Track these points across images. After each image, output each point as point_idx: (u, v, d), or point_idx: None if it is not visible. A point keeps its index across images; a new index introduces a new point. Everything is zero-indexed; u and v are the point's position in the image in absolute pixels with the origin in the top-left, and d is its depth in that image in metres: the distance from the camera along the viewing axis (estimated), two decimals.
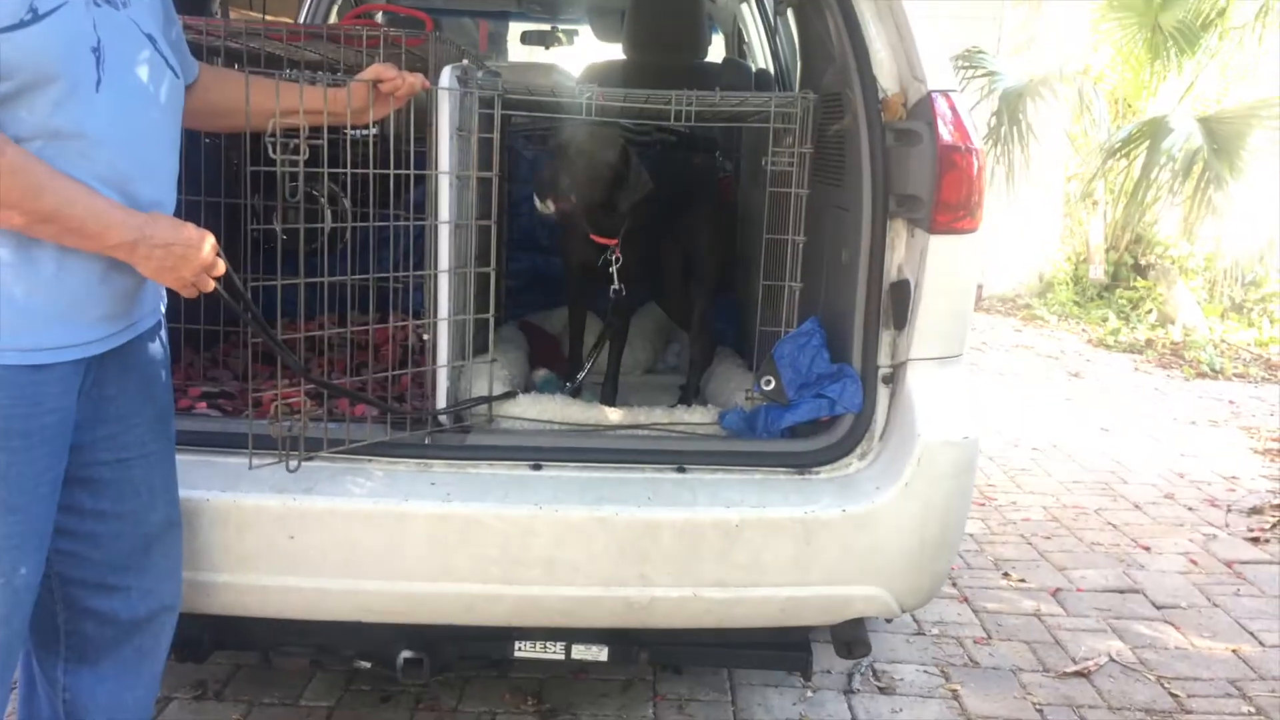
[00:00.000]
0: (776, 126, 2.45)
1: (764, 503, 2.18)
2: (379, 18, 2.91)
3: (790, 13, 3.43)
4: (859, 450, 2.33)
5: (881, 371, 2.36)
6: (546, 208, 2.60)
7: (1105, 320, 9.21)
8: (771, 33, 4.46)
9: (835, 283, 2.49)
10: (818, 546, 2.17)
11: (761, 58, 4.63)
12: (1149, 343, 8.53)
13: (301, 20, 4.60)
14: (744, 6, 4.87)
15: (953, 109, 2.28)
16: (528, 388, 2.88)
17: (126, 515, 1.83)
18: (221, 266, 1.72)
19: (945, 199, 2.25)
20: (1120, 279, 10.10)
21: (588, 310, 3.08)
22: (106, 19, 1.63)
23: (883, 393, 2.35)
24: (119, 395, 1.78)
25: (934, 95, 2.27)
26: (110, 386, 1.76)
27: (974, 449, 2.27)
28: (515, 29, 6.81)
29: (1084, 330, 9.13)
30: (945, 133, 2.25)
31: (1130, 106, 9.94)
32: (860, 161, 2.36)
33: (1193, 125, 8.38)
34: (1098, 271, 10.12)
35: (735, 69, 4.15)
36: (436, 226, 2.25)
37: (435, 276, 2.27)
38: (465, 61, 2.37)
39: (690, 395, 2.97)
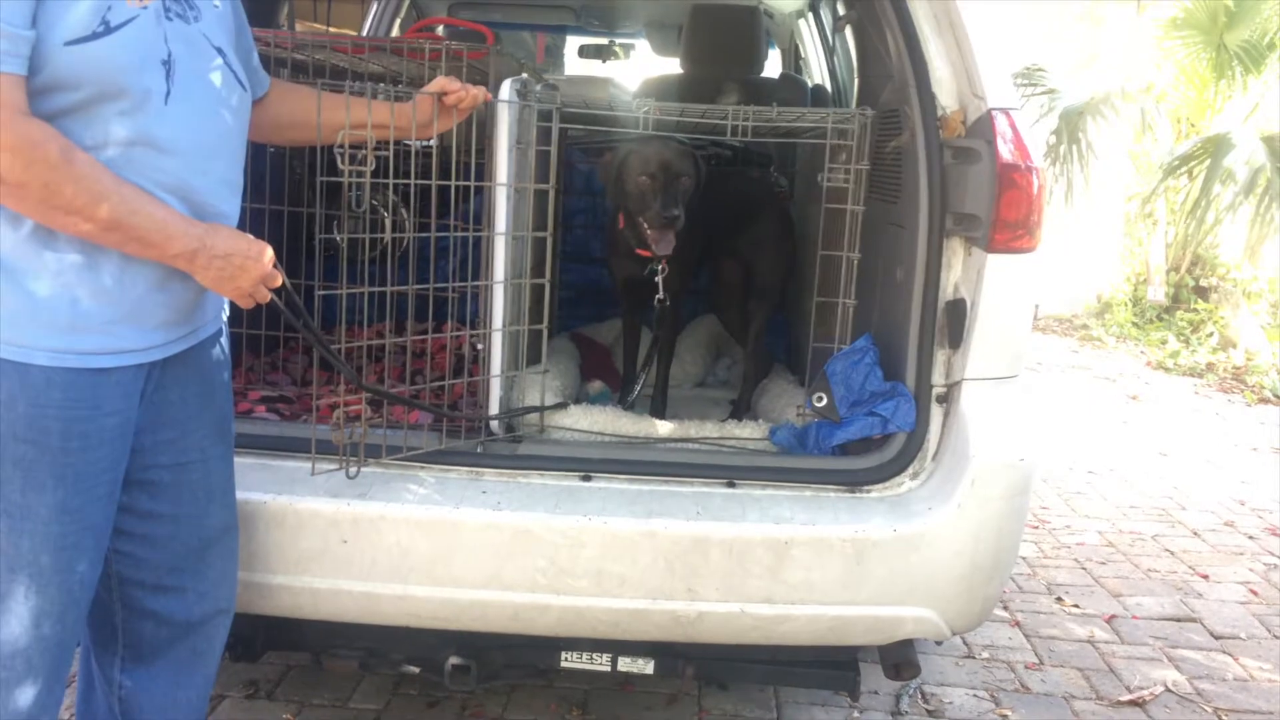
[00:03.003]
0: (833, 143, 2.44)
1: (814, 520, 2.17)
2: (440, 30, 2.94)
3: (849, 29, 3.43)
4: (911, 469, 2.31)
5: (935, 390, 2.33)
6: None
7: (1165, 343, 9.02)
8: (829, 49, 4.46)
9: (889, 300, 2.48)
10: (868, 566, 2.15)
11: (818, 74, 4.62)
12: (1209, 367, 8.34)
13: (365, 33, 4.69)
14: (801, 23, 4.87)
15: (1013, 127, 2.26)
16: (580, 399, 2.90)
17: (184, 518, 1.87)
18: (279, 278, 1.75)
19: (1004, 218, 2.23)
20: (1180, 300, 9.89)
21: (640, 324, 3.09)
22: (178, 32, 1.68)
23: (936, 412, 2.33)
24: (180, 400, 1.82)
25: (994, 113, 2.25)
26: (172, 391, 1.80)
27: (1029, 471, 2.24)
28: (573, 42, 6.87)
29: (1143, 353, 8.96)
30: (1005, 151, 2.23)
31: (1194, 126, 9.76)
32: (917, 178, 2.35)
33: (1256, 143, 8.21)
34: (1158, 293, 9.92)
35: (792, 84, 4.14)
36: (493, 238, 2.28)
37: (490, 287, 2.29)
38: (524, 75, 2.40)
39: (741, 410, 2.97)
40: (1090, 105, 8.57)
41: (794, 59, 5.16)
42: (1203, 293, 9.91)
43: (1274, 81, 9.55)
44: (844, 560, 2.14)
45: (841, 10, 4.47)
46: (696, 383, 3.41)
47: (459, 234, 2.27)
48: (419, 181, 2.15)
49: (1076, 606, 3.69)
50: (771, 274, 3.06)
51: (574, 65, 7.40)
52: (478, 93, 2.12)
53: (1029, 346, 2.39)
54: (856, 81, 3.36)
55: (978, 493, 2.19)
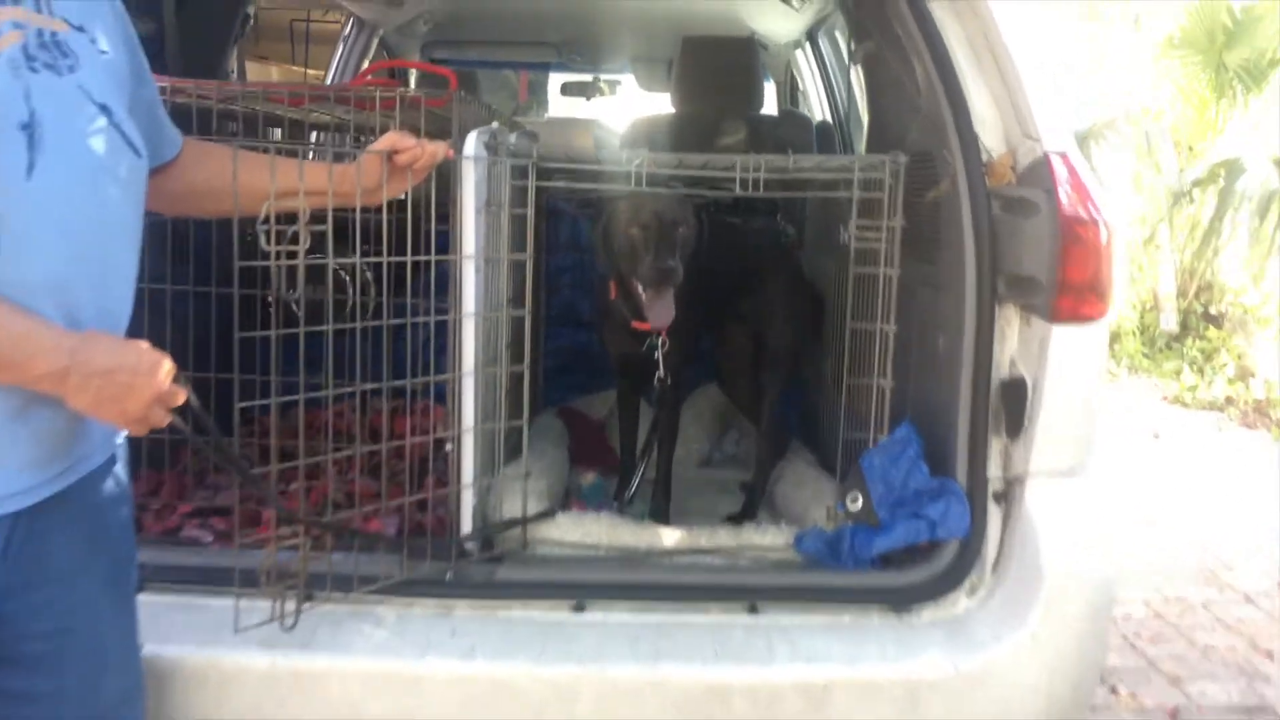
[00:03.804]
0: (861, 195, 2.07)
1: (857, 656, 1.78)
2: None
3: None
4: (968, 584, 1.93)
5: (992, 487, 1.96)
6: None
7: (1179, 373, 8.66)
8: (830, 82, 4.12)
9: (930, 377, 2.11)
10: (924, 712, 1.76)
11: (819, 109, 4.29)
12: (1229, 400, 7.98)
13: (330, 75, 4.34)
14: (798, 53, 4.54)
15: (1073, 172, 1.91)
16: (569, 493, 2.51)
17: (70, 694, 1.47)
18: (181, 396, 1.37)
19: (1069, 280, 1.87)
20: (1190, 328, 9.56)
21: (638, 405, 2.70)
22: (46, 87, 1.31)
23: (994, 513, 1.96)
24: (61, 549, 1.43)
25: (1051, 157, 1.90)
26: (50, 540, 1.41)
27: (1113, 589, 1.86)
28: (557, 79, 6.55)
29: (1156, 385, 8.60)
30: (1068, 201, 1.87)
31: (1191, 149, 9.48)
32: (961, 235, 1.99)
33: (1269, 166, 7.94)
34: (1169, 321, 9.57)
35: (795, 122, 3.80)
36: (459, 320, 1.90)
37: (458, 379, 1.92)
38: (495, 125, 2.04)
39: (757, 500, 2.58)
40: (1094, 131, 8.29)
41: (790, 93, 4.83)
42: (1214, 319, 9.58)
43: (1275, 100, 9.31)
44: (895, 707, 1.76)
45: (842, 38, 4.18)
46: (702, 461, 3.02)
47: (421, 319, 1.89)
48: (368, 259, 1.77)
49: (1134, 697, 3.29)
50: (784, 341, 2.68)
51: (557, 103, 7.09)
52: (436, 149, 1.75)
53: (1101, 429, 2.02)
54: (866, 118, 3.00)
55: (1054, 616, 1.81)
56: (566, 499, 2.52)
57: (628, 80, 5.67)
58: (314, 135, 2.28)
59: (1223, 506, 5.40)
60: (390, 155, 1.71)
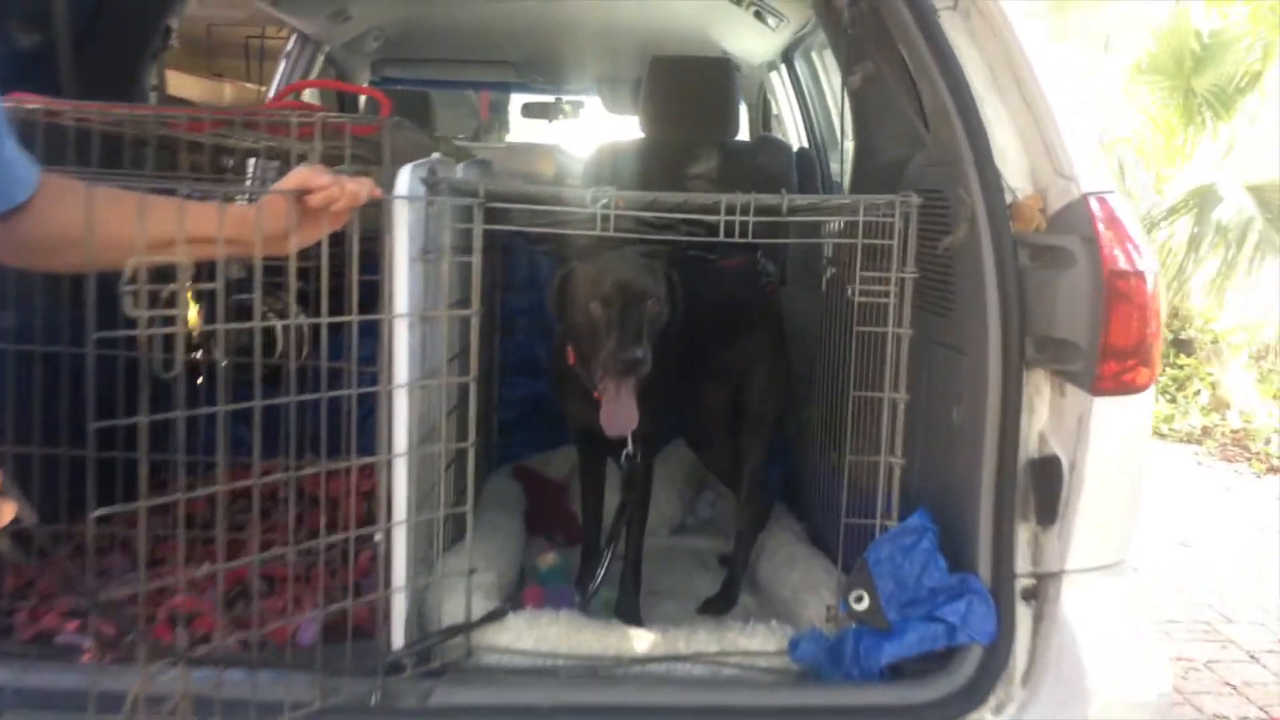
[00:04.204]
0: (866, 242, 1.77)
1: None
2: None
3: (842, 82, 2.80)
4: (993, 700, 1.64)
5: (1021, 584, 1.67)
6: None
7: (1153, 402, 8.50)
8: (807, 107, 3.85)
9: (942, 451, 1.82)
10: None
11: (794, 135, 4.01)
12: (1206, 431, 7.81)
13: (273, 90, 3.99)
14: (773, 76, 4.26)
15: (1114, 217, 1.63)
16: (525, 575, 2.20)
17: None
18: (9, 512, 1.04)
19: (1114, 343, 1.59)
20: (1161, 355, 9.41)
21: (602, 479, 2.32)
22: None
23: (1023, 615, 1.67)
24: None
25: (1090, 199, 1.62)
26: None
27: (1170, 710, 1.58)
28: (518, 99, 6.25)
29: None
30: (1111, 251, 1.59)
31: (1160, 176, 9.37)
32: (982, 288, 1.70)
33: (1244, 195, 7.83)
34: None
35: (773, 149, 3.51)
36: (391, 393, 1.58)
37: (390, 463, 1.59)
38: (436, 156, 1.72)
39: (738, 578, 2.25)
40: None
41: (763, 118, 4.56)
42: (1183, 346, 9.44)
43: (1245, 127, 9.24)
44: None
45: (821, 61, 3.92)
46: (674, 528, 2.69)
47: (337, 393, 1.56)
48: (262, 323, 1.45)
49: None
50: (766, 399, 2.35)
51: (520, 125, 6.80)
52: (357, 188, 1.44)
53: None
54: (854, 147, 2.71)
55: None
56: (522, 580, 2.20)
57: (593, 102, 5.40)
58: (228, 168, 1.95)
59: (1212, 548, 5.17)
60: (301, 195, 1.40)
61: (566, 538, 2.54)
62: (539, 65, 4.70)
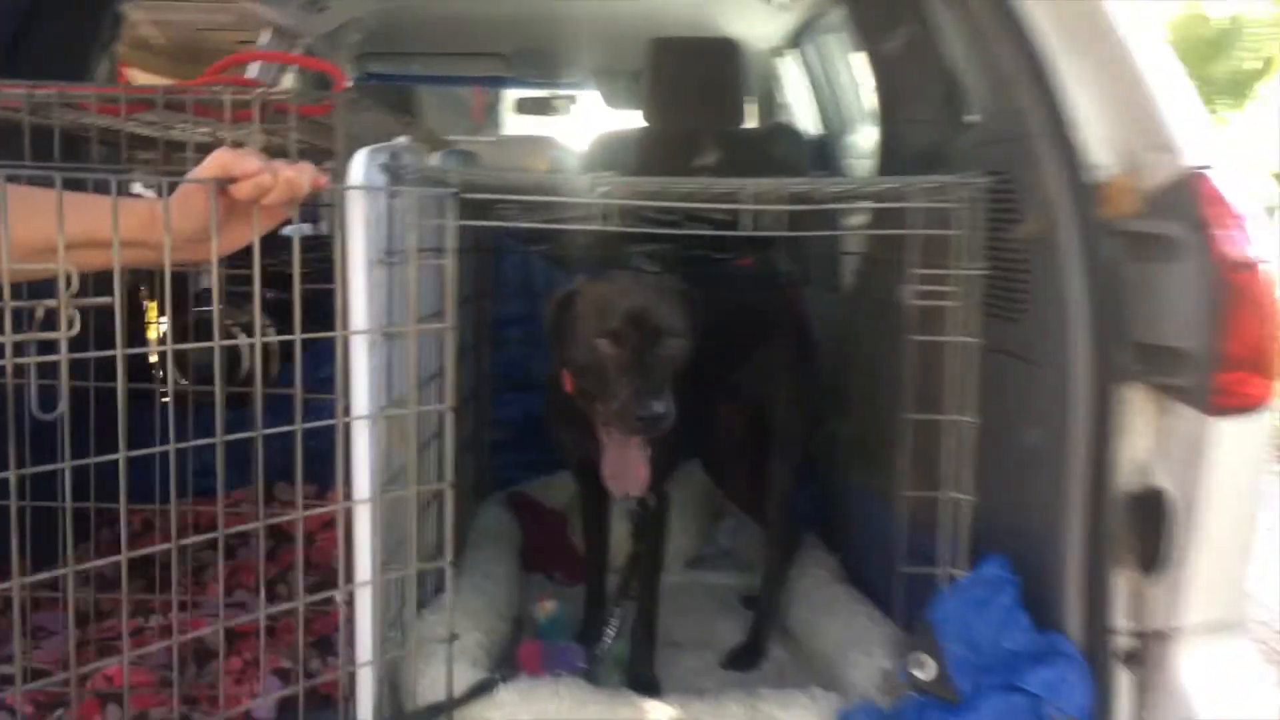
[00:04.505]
0: (926, 232, 1.47)
1: None
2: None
3: (866, 60, 2.51)
4: None
5: (1119, 644, 1.38)
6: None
7: None
8: (821, 92, 3.56)
9: (1014, 484, 1.52)
10: None
11: (806, 123, 3.72)
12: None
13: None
14: (781, 61, 3.97)
15: (1227, 197, 1.34)
16: (521, 627, 1.90)
17: None
18: None
19: (1233, 352, 1.29)
20: None
21: (606, 521, 2.00)
22: None
23: (1124, 683, 1.38)
24: None
25: (1199, 176, 1.33)
26: None
27: None
28: (513, 94, 5.97)
29: None
30: (1227, 239, 1.30)
31: None
32: (1061, 287, 1.42)
33: (1269, 182, 7.64)
34: None
35: (787, 137, 3.21)
36: (349, 425, 1.29)
37: (349, 510, 1.30)
38: (402, 139, 1.43)
39: (768, 626, 1.95)
40: None
41: (770, 106, 4.27)
42: None
43: (1262, 113, 9.06)
44: None
45: (836, 41, 3.63)
46: (689, 560, 2.38)
47: (278, 428, 1.27)
48: (197, 345, 1.16)
49: None
50: (792, 419, 2.02)
51: (514, 124, 6.53)
52: (297, 177, 1.15)
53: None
54: (882, 127, 2.42)
55: None
56: (517, 631, 1.91)
57: (592, 97, 5.12)
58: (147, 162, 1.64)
59: (1273, 566, 4.86)
60: (223, 186, 1.11)
61: (568, 576, 2.25)
62: (533, 57, 4.41)
